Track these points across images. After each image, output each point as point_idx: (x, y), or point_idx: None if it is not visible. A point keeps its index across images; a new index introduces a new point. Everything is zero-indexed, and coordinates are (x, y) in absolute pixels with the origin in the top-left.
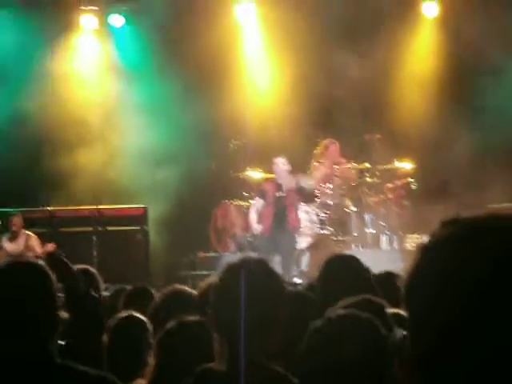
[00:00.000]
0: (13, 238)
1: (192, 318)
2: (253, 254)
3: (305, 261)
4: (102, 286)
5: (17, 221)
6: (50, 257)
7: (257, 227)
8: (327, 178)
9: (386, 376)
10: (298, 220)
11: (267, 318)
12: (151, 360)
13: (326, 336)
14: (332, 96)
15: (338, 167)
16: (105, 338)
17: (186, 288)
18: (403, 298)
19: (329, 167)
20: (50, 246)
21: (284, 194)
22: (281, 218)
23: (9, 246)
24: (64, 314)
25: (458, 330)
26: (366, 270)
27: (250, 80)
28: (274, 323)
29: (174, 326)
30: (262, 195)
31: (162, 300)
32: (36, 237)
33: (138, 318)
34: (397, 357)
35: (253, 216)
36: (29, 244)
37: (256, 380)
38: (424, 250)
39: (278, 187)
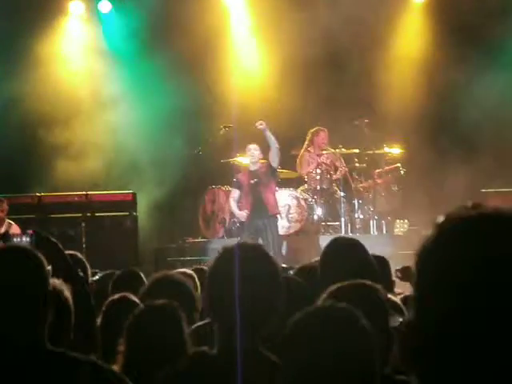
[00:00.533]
0: None
1: (160, 301)
2: (246, 239)
3: (291, 246)
4: (90, 271)
5: (4, 207)
6: (37, 237)
7: (240, 214)
8: (315, 164)
9: (374, 373)
10: (276, 201)
11: (263, 303)
12: (121, 346)
13: (301, 332)
14: (320, 80)
15: (325, 153)
16: (98, 319)
17: (175, 273)
18: (412, 278)
19: (317, 153)
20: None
21: (257, 180)
22: (260, 204)
23: None
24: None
25: (458, 317)
26: (369, 255)
27: (239, 64)
28: (269, 308)
29: (141, 310)
30: (238, 186)
31: (151, 284)
32: (17, 226)
33: (131, 299)
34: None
35: (233, 205)
36: (10, 233)
37: (248, 366)
38: (439, 230)
39: (252, 174)
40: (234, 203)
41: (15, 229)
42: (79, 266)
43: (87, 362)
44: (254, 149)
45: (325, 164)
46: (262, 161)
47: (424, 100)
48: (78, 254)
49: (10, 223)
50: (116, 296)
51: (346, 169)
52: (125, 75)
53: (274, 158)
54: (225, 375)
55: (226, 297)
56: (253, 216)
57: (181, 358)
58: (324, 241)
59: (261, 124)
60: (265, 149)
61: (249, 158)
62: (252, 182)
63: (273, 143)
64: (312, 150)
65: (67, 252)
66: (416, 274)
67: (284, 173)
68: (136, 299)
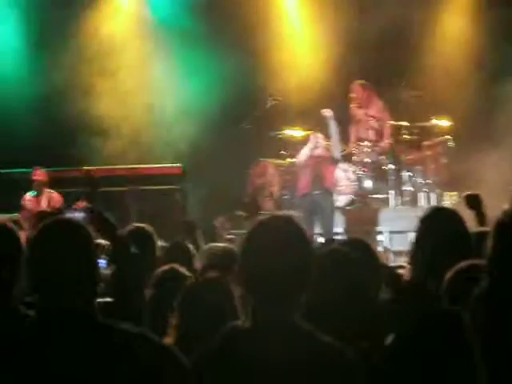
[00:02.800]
0: (37, 196)
1: (213, 274)
2: (291, 213)
3: (344, 219)
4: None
5: (40, 173)
6: (90, 212)
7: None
8: (362, 118)
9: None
10: (334, 179)
11: (295, 275)
12: (174, 320)
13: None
14: (371, 54)
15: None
16: (148, 292)
17: (228, 245)
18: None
19: (361, 108)
20: (81, 204)
21: (321, 154)
22: (318, 179)
23: (30, 206)
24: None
25: None
26: (465, 226)
27: (289, 37)
28: (302, 280)
29: (194, 283)
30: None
31: (204, 256)
32: (60, 197)
33: (180, 270)
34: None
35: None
36: (51, 205)
37: (282, 338)
38: None
39: (315, 157)
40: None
41: (56, 200)
42: (147, 239)
43: (138, 333)
44: (320, 138)
45: (371, 117)
46: (327, 145)
47: (476, 74)
48: (146, 227)
49: (50, 194)
50: (165, 267)
51: (391, 142)
52: (173, 49)
53: (336, 147)
54: (260, 348)
55: (259, 269)
56: (311, 189)
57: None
58: (373, 214)
59: (328, 112)
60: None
61: (313, 144)
62: (315, 155)
63: (335, 133)
64: (357, 106)
65: (137, 224)
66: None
67: None
68: (184, 271)
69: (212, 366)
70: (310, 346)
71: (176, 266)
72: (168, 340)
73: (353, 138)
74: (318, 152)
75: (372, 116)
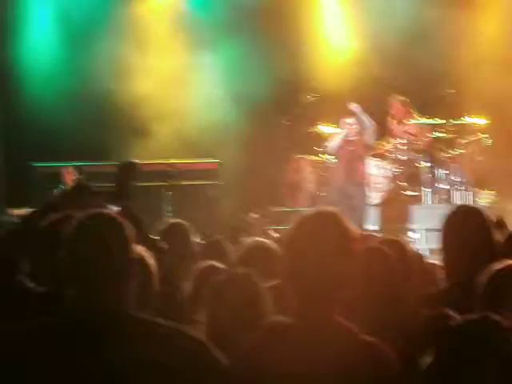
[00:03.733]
0: None
1: (241, 269)
2: (327, 208)
3: (377, 216)
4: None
5: (70, 172)
6: (122, 211)
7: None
8: (399, 134)
9: None
10: (365, 174)
11: (336, 271)
12: (202, 316)
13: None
14: (404, 52)
15: (408, 123)
16: (187, 285)
17: (267, 241)
18: None
19: (399, 124)
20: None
21: (355, 150)
22: (351, 173)
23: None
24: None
25: None
26: (490, 226)
27: (326, 35)
28: (343, 276)
29: (223, 279)
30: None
31: (244, 252)
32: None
33: (218, 267)
34: None
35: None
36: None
37: (325, 334)
38: None
39: (350, 143)
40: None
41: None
42: (183, 235)
43: (173, 328)
44: (352, 122)
45: (409, 134)
46: (360, 135)
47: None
48: (181, 222)
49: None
50: (205, 263)
51: (430, 139)
52: (213, 45)
53: (371, 138)
54: (302, 344)
55: (301, 265)
56: (345, 184)
57: (259, 327)
58: (408, 211)
59: (356, 107)
60: None
61: (346, 130)
62: (349, 149)
63: (368, 124)
64: (393, 119)
65: (172, 220)
66: None
67: None
68: (223, 267)
69: (254, 362)
70: (352, 344)
71: (215, 262)
72: (201, 335)
73: (389, 136)
74: (351, 138)
75: (410, 133)
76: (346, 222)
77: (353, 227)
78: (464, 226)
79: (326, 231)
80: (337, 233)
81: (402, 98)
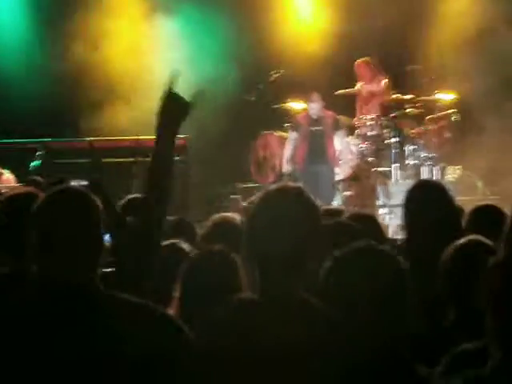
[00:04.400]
0: None
1: (217, 246)
2: (290, 183)
3: (344, 192)
4: None
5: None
6: (91, 185)
7: (287, 165)
8: (365, 100)
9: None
10: (335, 153)
11: (301, 247)
12: (176, 292)
13: (341, 269)
14: (371, 28)
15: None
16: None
17: (234, 216)
18: None
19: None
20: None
21: (320, 128)
22: (317, 152)
23: None
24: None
25: None
26: (451, 200)
27: (293, 9)
28: (308, 252)
29: (197, 255)
30: (296, 128)
31: (211, 228)
32: (10, 176)
33: (181, 246)
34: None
35: (287, 151)
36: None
37: (290, 310)
38: None
39: (314, 122)
40: (288, 148)
41: (7, 180)
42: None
43: (141, 303)
44: (317, 97)
45: (372, 93)
46: (328, 111)
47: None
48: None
49: (0, 172)
50: (167, 242)
51: (395, 97)
52: (174, 20)
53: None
54: (266, 320)
55: (265, 241)
56: (309, 162)
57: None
58: (375, 187)
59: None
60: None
61: (311, 106)
62: (313, 128)
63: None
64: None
65: (135, 195)
66: None
67: None
68: (185, 246)
69: (217, 337)
70: (315, 319)
71: (178, 241)
72: (171, 311)
73: (358, 113)
74: (319, 115)
75: (374, 93)
76: (309, 196)
77: (317, 202)
78: (424, 201)
79: (289, 205)
80: (299, 207)
81: (367, 58)
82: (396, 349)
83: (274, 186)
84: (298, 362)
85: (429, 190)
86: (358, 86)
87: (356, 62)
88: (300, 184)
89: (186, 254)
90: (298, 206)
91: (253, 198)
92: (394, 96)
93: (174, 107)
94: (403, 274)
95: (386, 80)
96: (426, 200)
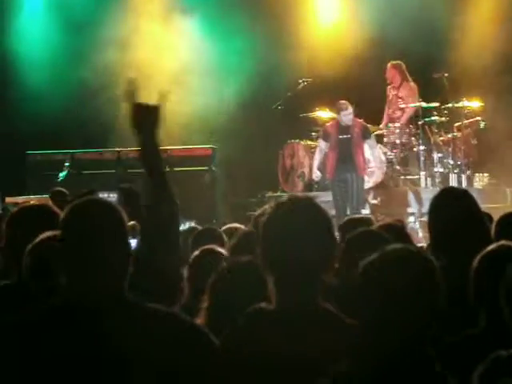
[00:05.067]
0: None
1: (245, 258)
2: (321, 194)
3: (373, 200)
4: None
5: None
6: (124, 191)
7: (317, 174)
8: (395, 113)
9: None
10: (364, 161)
11: (317, 256)
12: (204, 303)
13: (378, 269)
14: (399, 36)
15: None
16: (185, 272)
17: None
18: None
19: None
20: None
21: (348, 136)
22: (346, 160)
23: None
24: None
25: None
26: (478, 207)
27: (321, 19)
28: (324, 261)
29: (226, 266)
30: (325, 137)
31: (239, 239)
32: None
33: (219, 251)
34: None
35: (316, 160)
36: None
37: (306, 319)
38: None
39: (343, 129)
40: (318, 156)
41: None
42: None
43: (169, 313)
44: (347, 105)
45: (399, 98)
46: (357, 119)
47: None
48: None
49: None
50: (204, 247)
51: (420, 105)
52: (199, 27)
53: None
54: (283, 329)
55: (280, 250)
56: (338, 171)
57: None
58: (404, 195)
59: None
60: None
61: (344, 113)
62: (342, 136)
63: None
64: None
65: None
66: None
67: None
68: (223, 251)
69: (236, 346)
70: (331, 325)
71: (214, 246)
72: (199, 321)
73: (385, 119)
74: (348, 124)
75: (401, 98)
76: (320, 207)
77: (328, 212)
78: (449, 208)
79: (300, 216)
80: (310, 218)
81: (396, 61)
82: (424, 353)
83: (285, 198)
84: (320, 371)
85: (453, 198)
86: (388, 88)
87: (387, 65)
88: (310, 195)
89: (222, 257)
90: (310, 216)
91: (262, 209)
92: (421, 103)
93: (143, 116)
94: (437, 275)
95: (415, 86)
96: (451, 207)
